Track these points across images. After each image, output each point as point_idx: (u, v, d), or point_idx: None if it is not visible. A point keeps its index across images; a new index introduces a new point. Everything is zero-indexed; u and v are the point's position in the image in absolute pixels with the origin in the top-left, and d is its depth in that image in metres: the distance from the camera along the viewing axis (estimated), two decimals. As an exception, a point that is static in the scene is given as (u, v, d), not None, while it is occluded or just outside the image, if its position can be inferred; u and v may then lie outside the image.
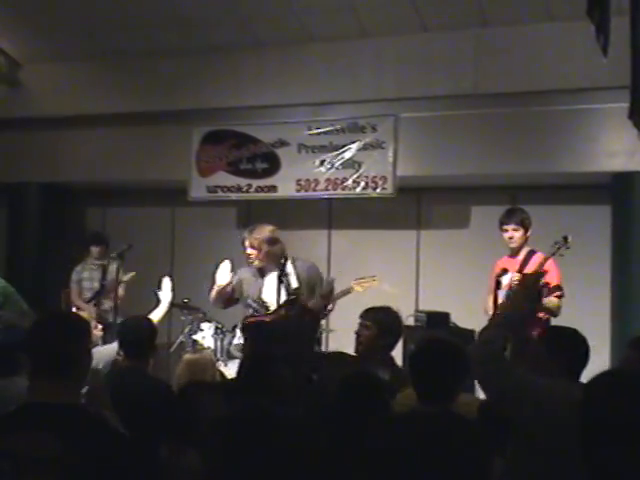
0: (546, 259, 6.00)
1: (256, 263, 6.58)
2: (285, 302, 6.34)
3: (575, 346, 3.84)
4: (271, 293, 6.45)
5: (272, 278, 6.48)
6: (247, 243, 6.57)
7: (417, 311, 8.03)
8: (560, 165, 8.07)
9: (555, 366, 3.72)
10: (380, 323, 5.06)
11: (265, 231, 6.55)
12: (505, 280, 6.26)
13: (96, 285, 8.26)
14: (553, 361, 3.75)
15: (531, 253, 6.31)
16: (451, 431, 3.20)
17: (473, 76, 7.91)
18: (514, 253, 6.37)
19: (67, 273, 9.96)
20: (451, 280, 8.83)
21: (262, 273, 6.62)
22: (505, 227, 6.37)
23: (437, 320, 7.38)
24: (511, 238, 6.34)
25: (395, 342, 5.18)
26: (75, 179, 10.01)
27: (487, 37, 7.87)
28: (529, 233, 6.35)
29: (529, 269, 6.14)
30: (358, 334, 5.09)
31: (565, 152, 7.98)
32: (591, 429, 2.43)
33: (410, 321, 7.77)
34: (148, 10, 8.29)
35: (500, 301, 6.12)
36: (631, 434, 2.34)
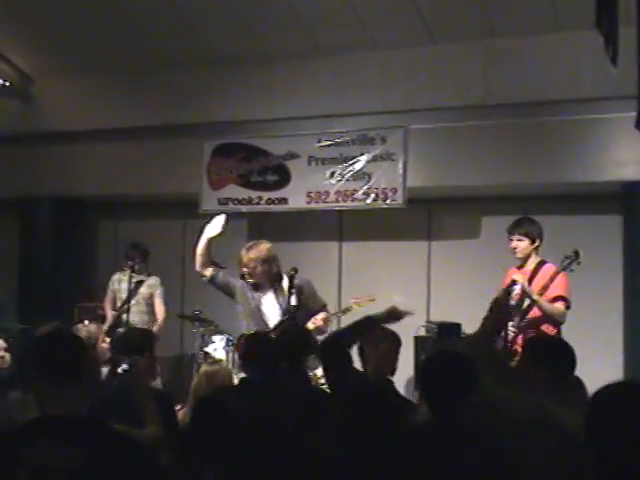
0: (556, 273, 6.00)
1: (250, 281, 6.75)
2: (282, 320, 6.50)
3: (559, 355, 3.82)
4: (270, 309, 6.62)
5: (270, 296, 6.67)
6: (243, 261, 6.68)
7: (428, 322, 8.04)
8: (570, 175, 8.06)
9: (538, 376, 3.72)
10: None
11: (262, 250, 6.69)
12: (515, 291, 6.25)
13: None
14: (536, 371, 3.75)
15: (541, 264, 6.29)
16: (460, 440, 3.23)
17: (482, 87, 7.93)
18: (522, 264, 6.36)
19: (80, 286, 10.06)
20: (462, 291, 8.82)
21: (256, 288, 6.77)
22: (510, 237, 6.40)
23: (448, 331, 7.38)
24: (515, 248, 6.35)
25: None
26: (87, 192, 10.06)
27: (496, 48, 7.89)
28: (536, 244, 6.32)
29: (538, 280, 6.14)
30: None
31: (575, 162, 7.98)
32: (597, 437, 2.44)
33: (421, 332, 7.79)
34: (160, 24, 8.36)
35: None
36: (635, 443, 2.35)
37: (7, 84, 9.37)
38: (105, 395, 3.94)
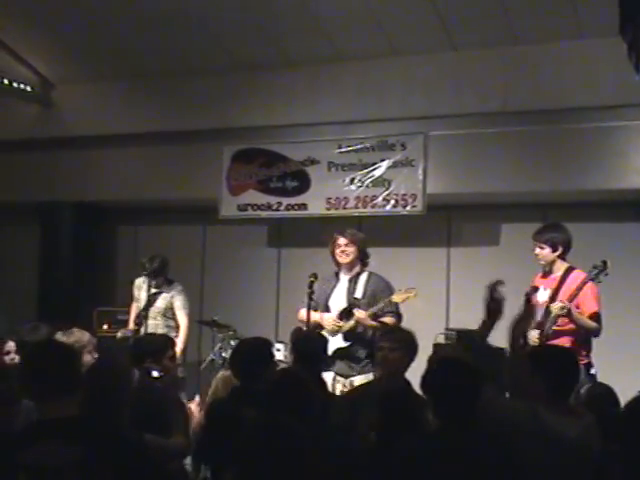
0: (584, 283, 5.93)
1: (350, 259, 6.70)
2: (343, 310, 6.55)
3: (560, 366, 3.80)
4: (339, 298, 6.65)
5: (344, 282, 6.71)
6: (341, 241, 6.69)
7: (447, 329, 8.02)
8: (590, 182, 8.03)
9: (537, 386, 3.70)
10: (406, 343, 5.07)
11: (350, 235, 6.74)
12: (541, 297, 6.22)
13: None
14: (536, 380, 3.73)
15: (569, 270, 6.21)
16: (471, 446, 3.23)
17: (502, 94, 7.91)
18: (546, 271, 6.31)
19: (99, 291, 10.09)
20: (481, 298, 8.76)
21: (337, 277, 6.79)
22: (534, 243, 6.32)
23: (467, 338, 7.34)
24: (536, 255, 6.29)
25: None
26: (107, 198, 10.10)
27: (516, 55, 7.88)
28: (559, 251, 6.24)
29: (566, 288, 6.07)
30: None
31: (595, 169, 7.94)
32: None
33: (440, 339, 7.77)
34: (179, 30, 8.39)
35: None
36: None
37: (28, 89, 9.45)
38: (138, 403, 3.95)
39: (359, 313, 6.40)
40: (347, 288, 6.65)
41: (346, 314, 6.54)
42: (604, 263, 5.90)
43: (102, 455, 2.87)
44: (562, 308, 5.85)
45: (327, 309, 6.68)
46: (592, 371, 6.00)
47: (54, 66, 9.53)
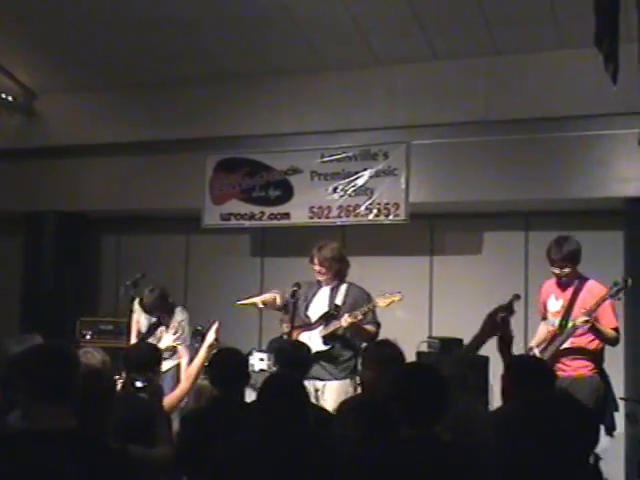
0: (603, 299, 5.95)
1: (323, 279, 6.83)
2: (321, 316, 6.66)
3: (539, 377, 3.82)
4: (318, 308, 6.75)
5: (325, 291, 6.81)
6: (316, 260, 6.79)
7: (430, 337, 8.03)
8: (572, 191, 8.08)
9: (519, 397, 3.72)
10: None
11: (332, 250, 6.83)
12: (552, 307, 6.24)
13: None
14: (517, 392, 3.75)
15: (583, 280, 6.23)
16: (434, 454, 3.25)
17: (484, 103, 7.95)
18: (566, 283, 6.27)
19: (83, 300, 10.03)
20: (464, 306, 8.81)
21: (319, 285, 6.91)
22: (556, 265, 6.21)
23: (450, 346, 7.37)
24: (562, 277, 6.21)
25: None
26: (90, 207, 10.08)
27: (498, 65, 7.92)
28: (579, 263, 6.23)
29: (582, 299, 6.09)
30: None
31: (577, 178, 7.99)
32: None
33: (423, 347, 7.78)
34: (163, 40, 8.38)
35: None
36: None
37: (11, 99, 9.41)
38: (121, 413, 3.93)
39: (345, 321, 6.46)
40: (328, 296, 6.71)
41: (326, 318, 6.59)
42: (625, 281, 5.92)
43: (93, 473, 2.83)
44: (586, 321, 5.88)
45: (307, 315, 6.72)
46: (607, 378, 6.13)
47: (37, 76, 9.50)
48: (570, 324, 6.01)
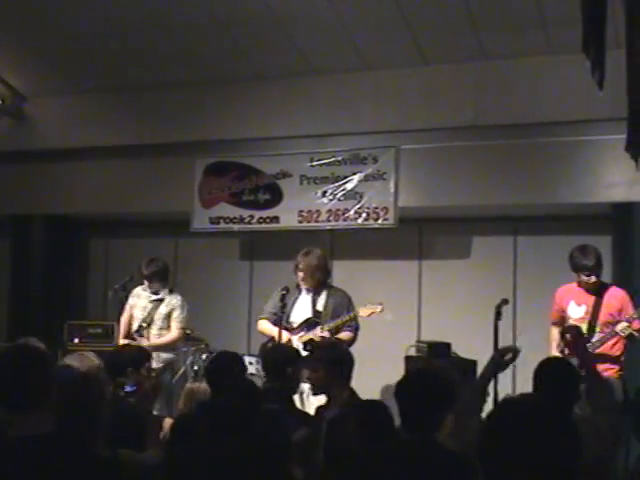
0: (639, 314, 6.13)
1: (305, 284, 6.92)
2: (302, 322, 6.72)
3: (563, 379, 3.83)
4: (300, 313, 6.81)
5: (307, 296, 6.87)
6: (301, 266, 6.91)
7: (418, 341, 8.04)
8: (560, 196, 8.11)
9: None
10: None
11: (314, 257, 6.93)
12: (574, 313, 6.29)
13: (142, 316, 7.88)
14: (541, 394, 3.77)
15: (605, 287, 6.31)
16: (433, 459, 3.24)
17: (473, 108, 7.98)
18: (592, 290, 6.36)
19: (71, 304, 9.99)
20: (452, 310, 8.85)
21: (299, 290, 7.00)
22: (585, 272, 6.32)
23: (438, 350, 7.38)
24: (587, 282, 6.33)
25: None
26: (78, 211, 10.06)
27: (487, 70, 7.95)
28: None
29: (606, 306, 6.17)
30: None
31: (565, 183, 8.03)
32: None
33: (411, 351, 7.79)
34: (152, 44, 8.39)
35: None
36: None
37: (0, 102, 9.39)
38: (110, 418, 3.93)
39: (318, 332, 6.50)
40: (310, 301, 6.73)
41: (308, 325, 6.61)
42: None
43: (80, 474, 2.81)
44: (627, 328, 6.00)
45: (288, 322, 6.75)
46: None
47: (26, 79, 9.47)
48: (597, 330, 6.12)
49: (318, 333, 6.53)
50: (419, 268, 9.31)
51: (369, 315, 6.62)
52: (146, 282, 7.87)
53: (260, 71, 8.64)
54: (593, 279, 6.27)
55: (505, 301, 6.30)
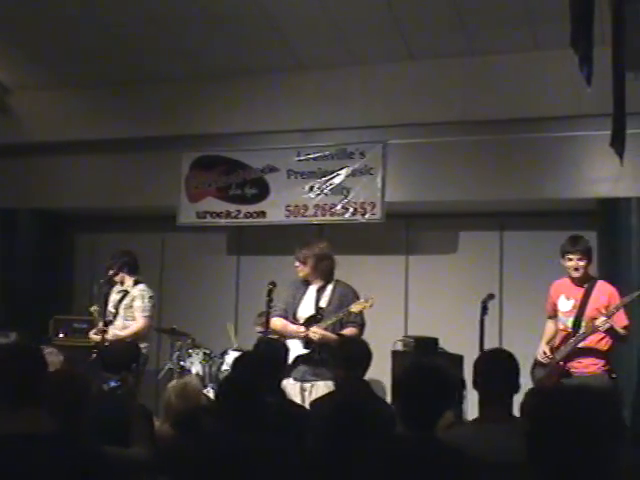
0: (623, 304, 6.12)
1: (301, 275, 6.79)
2: (308, 318, 6.60)
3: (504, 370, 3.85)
4: (306, 309, 6.69)
5: (312, 292, 6.74)
6: (296, 256, 6.81)
7: (405, 336, 8.06)
8: (546, 191, 8.14)
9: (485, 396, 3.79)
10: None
11: (316, 247, 6.79)
12: (563, 307, 6.33)
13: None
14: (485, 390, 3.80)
15: (593, 281, 6.33)
16: (435, 456, 3.24)
17: (461, 103, 7.99)
18: (579, 283, 6.36)
19: (58, 299, 9.95)
20: (439, 305, 8.87)
21: (306, 285, 6.82)
22: (570, 256, 6.32)
23: (425, 345, 7.40)
24: (576, 269, 6.31)
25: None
26: (65, 205, 10.02)
27: (474, 65, 7.97)
28: (591, 262, 6.35)
29: (594, 300, 6.21)
30: None
31: (551, 179, 8.05)
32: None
33: (398, 346, 7.81)
34: (138, 38, 8.36)
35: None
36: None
37: (-16, 95, 9.35)
38: (95, 414, 3.92)
39: (313, 334, 6.45)
40: (315, 298, 6.68)
41: (310, 322, 6.57)
42: None
43: (66, 471, 2.81)
44: (605, 322, 6.01)
45: (295, 318, 6.69)
46: (613, 375, 6.28)
47: (11, 72, 9.42)
48: (584, 325, 6.14)
49: (316, 335, 6.47)
50: (406, 263, 9.32)
51: (360, 311, 6.59)
52: (111, 272, 7.80)
53: (248, 66, 8.62)
54: (579, 263, 6.27)
55: (491, 296, 6.33)
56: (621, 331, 6.17)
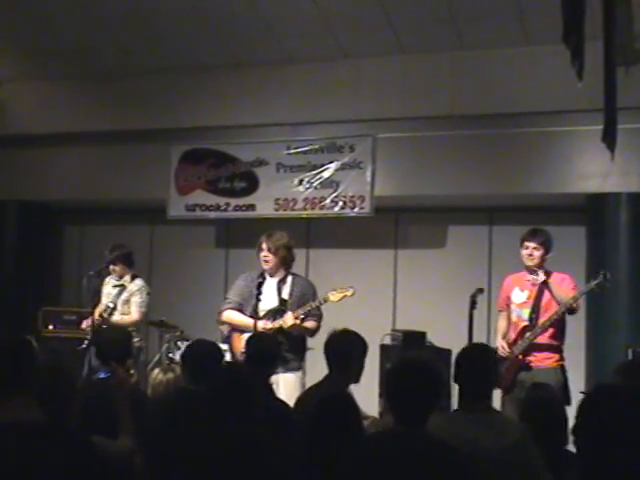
0: (582, 293, 6.29)
1: (269, 265, 6.67)
2: (271, 310, 6.53)
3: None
4: (267, 302, 6.60)
5: (272, 284, 6.65)
6: (264, 246, 6.68)
7: (393, 330, 8.06)
8: (535, 186, 8.16)
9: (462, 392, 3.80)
10: None
11: (284, 238, 6.73)
12: (517, 299, 6.34)
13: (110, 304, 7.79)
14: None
15: (548, 273, 6.35)
16: (426, 451, 3.23)
17: (450, 98, 7.99)
18: (531, 272, 6.36)
19: (45, 291, 9.92)
20: (428, 299, 8.88)
21: (264, 277, 6.68)
22: (526, 244, 6.35)
23: (413, 339, 7.40)
24: (530, 255, 6.31)
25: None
26: (53, 197, 10.00)
27: (464, 59, 7.96)
28: (549, 255, 6.37)
29: (551, 288, 6.24)
30: None
31: (540, 173, 8.07)
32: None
33: (387, 340, 7.81)
34: (128, 30, 8.34)
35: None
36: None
37: (-28, 87, 9.30)
38: (83, 404, 3.92)
39: (288, 319, 6.41)
40: (276, 289, 6.65)
41: (274, 314, 6.53)
42: (604, 275, 6.18)
43: (57, 458, 2.81)
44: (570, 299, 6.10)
45: (256, 311, 6.63)
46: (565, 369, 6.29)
47: (0, 64, 9.38)
48: (542, 321, 6.17)
49: (288, 322, 6.44)
50: (395, 257, 9.34)
51: (340, 299, 6.55)
52: (111, 267, 7.79)
53: (237, 58, 8.60)
54: (534, 252, 6.28)
55: (480, 290, 6.33)
56: (566, 299, 6.20)
